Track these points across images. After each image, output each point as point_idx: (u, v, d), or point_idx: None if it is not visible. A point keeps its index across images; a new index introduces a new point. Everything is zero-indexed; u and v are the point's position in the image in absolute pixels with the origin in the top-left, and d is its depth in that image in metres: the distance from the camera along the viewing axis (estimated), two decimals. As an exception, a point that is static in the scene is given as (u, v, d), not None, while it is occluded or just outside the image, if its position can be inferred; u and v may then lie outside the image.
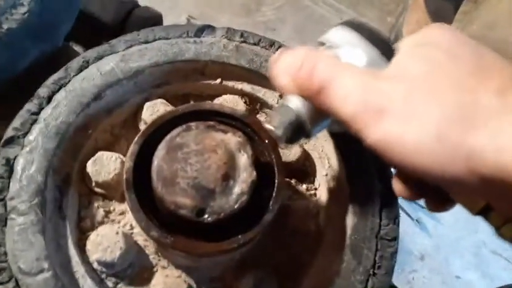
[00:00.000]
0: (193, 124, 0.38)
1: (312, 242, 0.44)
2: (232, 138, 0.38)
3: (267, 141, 0.40)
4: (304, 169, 0.49)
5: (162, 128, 0.39)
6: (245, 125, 0.41)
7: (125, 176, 0.36)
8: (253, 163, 0.37)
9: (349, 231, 0.42)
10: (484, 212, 0.32)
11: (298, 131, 0.34)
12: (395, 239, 0.42)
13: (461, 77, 0.27)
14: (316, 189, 0.48)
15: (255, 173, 0.37)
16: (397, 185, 0.34)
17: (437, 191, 0.31)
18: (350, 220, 0.43)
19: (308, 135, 0.35)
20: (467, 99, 0.26)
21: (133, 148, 0.38)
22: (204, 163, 0.36)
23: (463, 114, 0.26)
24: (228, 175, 0.36)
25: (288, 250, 0.44)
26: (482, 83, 0.26)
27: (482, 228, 1.07)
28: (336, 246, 0.42)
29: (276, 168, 0.39)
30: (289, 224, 0.44)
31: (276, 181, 0.38)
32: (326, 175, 0.47)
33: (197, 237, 0.36)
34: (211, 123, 0.39)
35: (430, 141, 0.26)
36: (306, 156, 0.48)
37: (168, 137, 0.37)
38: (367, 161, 0.44)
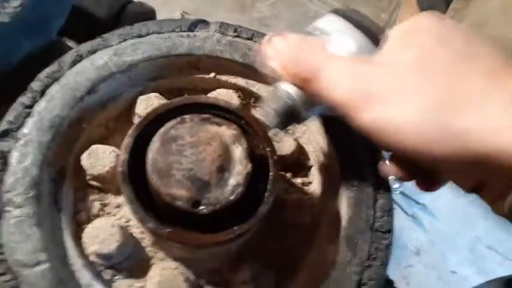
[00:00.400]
0: (187, 117, 0.39)
1: (307, 235, 0.45)
2: (226, 131, 0.39)
3: (261, 134, 0.40)
4: (299, 163, 0.49)
5: (156, 121, 0.40)
6: (240, 118, 0.41)
7: (120, 169, 0.37)
8: (248, 155, 0.38)
9: (343, 223, 0.43)
10: (477, 188, 0.33)
11: (290, 116, 0.35)
12: (389, 231, 0.43)
13: (451, 62, 0.28)
14: (310, 182, 0.49)
15: (250, 165, 0.37)
16: (389, 167, 0.35)
17: (427, 171, 0.32)
18: (344, 213, 0.43)
19: (300, 120, 0.36)
20: (458, 82, 0.27)
21: (127, 141, 0.38)
22: (199, 155, 0.37)
23: (454, 96, 0.27)
24: (223, 167, 0.37)
25: (284, 243, 0.44)
26: (472, 67, 0.27)
27: (477, 223, 1.09)
28: (331, 239, 0.43)
29: (270, 161, 0.39)
30: (285, 217, 0.44)
31: (271, 173, 0.39)
32: (320, 169, 0.48)
33: (193, 229, 0.37)
34: (206, 115, 0.39)
35: (419, 122, 0.27)
36: (300, 150, 0.49)
37: (162, 130, 0.38)
38: (361, 155, 0.45)
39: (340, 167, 0.45)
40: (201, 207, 0.35)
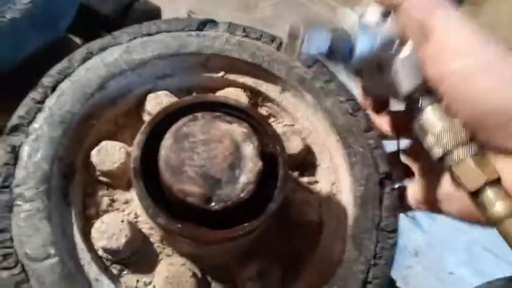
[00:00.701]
0: (199, 114, 0.39)
1: (314, 233, 0.45)
2: (237, 129, 0.39)
3: (271, 133, 0.41)
4: (306, 162, 0.50)
5: (167, 118, 0.40)
6: (250, 116, 0.42)
7: (132, 165, 0.37)
8: (258, 153, 0.38)
9: (350, 222, 0.44)
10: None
11: (343, 49, 0.37)
12: (395, 231, 0.44)
13: None
14: (317, 182, 0.49)
15: (260, 163, 0.38)
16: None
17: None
18: (351, 212, 0.44)
19: (349, 58, 0.38)
20: None
21: (140, 137, 0.39)
22: (210, 152, 0.38)
23: None
24: (234, 164, 0.38)
25: (291, 241, 0.45)
26: None
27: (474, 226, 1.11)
28: (337, 238, 0.44)
29: (280, 159, 0.40)
30: (292, 215, 0.45)
31: (281, 171, 0.40)
32: (328, 168, 0.49)
33: (203, 225, 0.37)
34: (218, 113, 0.40)
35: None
36: (307, 150, 0.50)
37: (175, 127, 0.38)
38: (368, 155, 0.46)
39: (348, 166, 0.46)
40: (213, 204, 0.36)
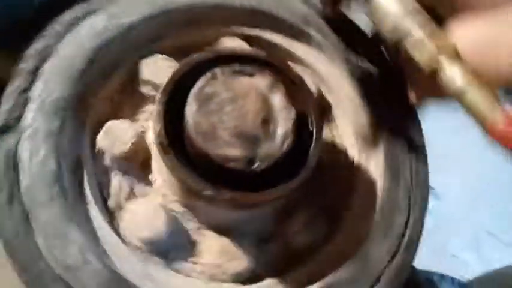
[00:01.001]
0: (218, 71, 0.39)
1: (346, 193, 0.47)
2: (261, 80, 0.39)
3: (297, 81, 0.41)
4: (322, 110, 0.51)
5: (180, 83, 0.40)
6: (269, 65, 0.41)
7: (158, 140, 0.37)
8: (288, 101, 0.39)
9: (380, 193, 0.46)
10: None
11: None
12: (427, 188, 0.47)
13: None
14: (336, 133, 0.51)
15: (294, 111, 0.38)
16: None
17: None
18: (381, 172, 0.46)
19: None
20: None
21: (158, 108, 0.38)
22: (240, 110, 0.37)
23: None
24: (268, 118, 0.38)
25: (323, 195, 0.47)
26: None
27: (483, 210, 1.17)
28: (368, 200, 0.45)
29: (311, 110, 0.41)
30: (323, 173, 0.46)
31: (314, 123, 0.40)
32: (345, 119, 0.50)
33: (239, 189, 0.37)
34: (237, 67, 0.39)
35: None
36: (322, 98, 0.50)
37: (195, 89, 0.38)
38: (402, 120, 0.47)
39: (377, 132, 0.47)
40: (257, 164, 0.36)
